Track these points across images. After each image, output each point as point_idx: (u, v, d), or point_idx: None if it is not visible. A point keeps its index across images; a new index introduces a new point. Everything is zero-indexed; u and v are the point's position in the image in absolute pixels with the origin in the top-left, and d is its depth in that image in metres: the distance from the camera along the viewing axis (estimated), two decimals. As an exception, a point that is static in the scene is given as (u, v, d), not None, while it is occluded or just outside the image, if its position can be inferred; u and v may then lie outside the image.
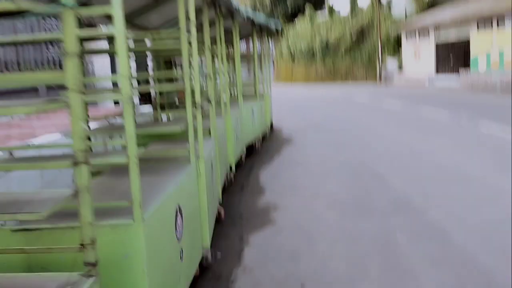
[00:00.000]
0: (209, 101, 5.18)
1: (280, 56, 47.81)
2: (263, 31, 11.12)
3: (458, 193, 5.91)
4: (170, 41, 5.74)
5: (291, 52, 43.85)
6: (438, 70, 29.26)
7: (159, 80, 6.22)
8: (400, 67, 32.21)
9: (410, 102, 18.57)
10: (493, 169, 7.06)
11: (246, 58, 10.99)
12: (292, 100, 23.25)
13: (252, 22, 9.42)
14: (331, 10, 40.02)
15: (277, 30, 11.90)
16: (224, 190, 6.34)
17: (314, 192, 6.37)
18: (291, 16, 46.56)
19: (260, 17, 9.52)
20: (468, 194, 5.83)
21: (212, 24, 7.80)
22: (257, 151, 9.60)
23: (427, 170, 7.25)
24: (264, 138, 11.12)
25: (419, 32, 30.55)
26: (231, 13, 7.60)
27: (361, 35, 35.87)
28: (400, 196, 5.94)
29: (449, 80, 27.40)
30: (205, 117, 4.83)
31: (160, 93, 6.20)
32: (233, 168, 7.11)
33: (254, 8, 46.76)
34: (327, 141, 10.62)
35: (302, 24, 43.47)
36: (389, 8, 34.42)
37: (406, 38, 31.94)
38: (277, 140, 11.20)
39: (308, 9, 42.55)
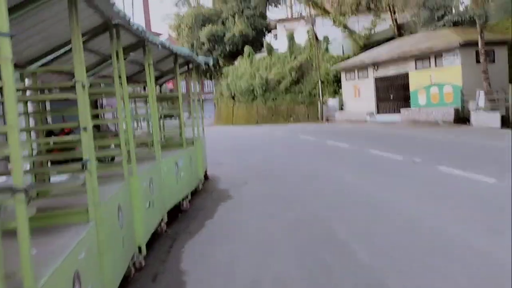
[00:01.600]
0: (83, 166, 3.33)
1: (220, 97, 46.66)
2: (191, 66, 9.47)
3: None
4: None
5: (231, 92, 42.78)
6: (378, 105, 28.95)
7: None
8: (342, 104, 31.69)
9: (347, 138, 17.49)
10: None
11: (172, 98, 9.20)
12: (231, 143, 21.64)
13: (174, 55, 7.73)
14: (270, 48, 39.49)
15: (212, 67, 10.38)
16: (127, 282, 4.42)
17: (255, 279, 4.57)
18: (230, 56, 45.79)
19: (183, 50, 7.84)
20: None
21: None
22: (185, 214, 7.72)
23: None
24: (195, 192, 9.28)
25: (358, 70, 30.29)
26: (140, 39, 5.87)
27: (301, 72, 35.34)
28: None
29: (390, 115, 27.11)
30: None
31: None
32: (143, 249, 5.17)
33: (192, 49, 45.64)
34: (270, 192, 8.94)
35: (241, 63, 42.72)
36: (327, 45, 34.22)
37: (346, 76, 31.62)
38: (211, 194, 9.38)
39: (247, 48, 41.92)
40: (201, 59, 9.69)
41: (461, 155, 11.94)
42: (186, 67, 9.73)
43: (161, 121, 10.64)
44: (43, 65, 5.28)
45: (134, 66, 7.73)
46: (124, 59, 6.55)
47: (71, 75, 6.00)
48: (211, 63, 10.43)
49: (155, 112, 6.47)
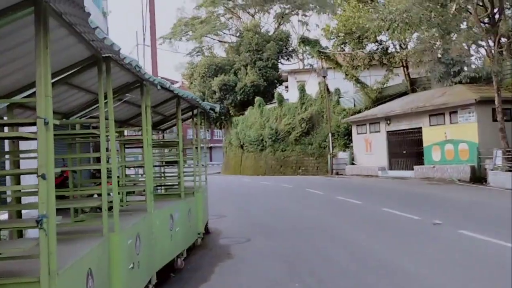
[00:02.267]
0: (38, 223, 2.61)
1: (229, 146, 46.29)
2: (196, 112, 8.89)
3: None
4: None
5: (240, 142, 42.41)
6: (390, 160, 28.15)
7: None
8: (352, 158, 30.94)
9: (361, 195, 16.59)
10: None
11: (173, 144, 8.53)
12: (237, 193, 20.82)
13: (177, 98, 7.14)
14: (281, 99, 39.35)
15: (222, 116, 9.81)
16: None
17: None
18: (241, 106, 45.80)
19: (186, 93, 7.26)
20: None
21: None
22: (178, 274, 6.86)
23: None
24: (193, 247, 8.44)
25: (369, 124, 29.76)
26: (137, 78, 5.28)
27: (311, 124, 34.90)
28: None
29: (402, 171, 26.28)
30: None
31: None
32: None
33: (204, 97, 45.85)
34: (275, 252, 8.07)
35: (251, 113, 42.60)
36: (338, 98, 33.93)
37: (357, 129, 31.07)
38: (211, 251, 8.51)
39: (257, 98, 41.90)
40: (206, 104, 9.12)
41: (484, 218, 11.01)
42: (190, 113, 9.12)
43: (163, 169, 10.00)
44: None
45: (133, 109, 7.13)
46: (120, 100, 5.96)
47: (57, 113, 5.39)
48: (217, 109, 9.87)
49: (149, 159, 5.78)
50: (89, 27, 3.14)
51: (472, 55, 21.56)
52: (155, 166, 8.98)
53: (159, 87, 5.54)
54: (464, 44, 20.83)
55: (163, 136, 10.51)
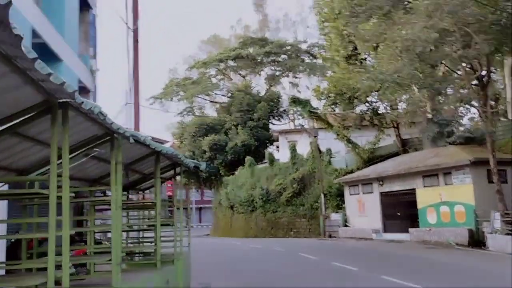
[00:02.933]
0: None
1: (219, 206, 45.19)
2: (179, 169, 8.18)
3: None
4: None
5: (230, 202, 41.40)
6: (384, 222, 27.23)
7: None
8: (345, 219, 30.00)
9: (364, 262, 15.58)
10: None
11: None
12: (226, 257, 19.67)
13: (156, 154, 6.46)
14: (272, 158, 38.83)
15: (212, 176, 9.11)
16: None
17: None
18: (231, 166, 45.18)
19: (167, 148, 6.58)
20: None
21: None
22: None
23: None
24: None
25: (362, 184, 29.11)
26: (108, 130, 4.61)
27: (303, 185, 34.19)
28: None
29: (397, 234, 25.30)
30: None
31: None
32: None
33: (193, 157, 45.31)
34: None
35: (242, 173, 41.92)
36: (330, 158, 33.49)
37: (349, 190, 30.36)
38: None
39: (248, 158, 41.39)
40: (190, 162, 8.44)
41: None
42: (172, 171, 8.40)
43: (142, 233, 9.14)
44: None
45: (105, 166, 6.41)
46: (87, 154, 5.26)
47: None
48: (203, 167, 9.17)
49: (118, 223, 5.00)
50: (28, 60, 2.49)
51: (464, 116, 21.31)
52: (134, 230, 8.15)
53: (132, 140, 4.86)
54: (456, 104, 20.64)
55: (143, 196, 9.71)
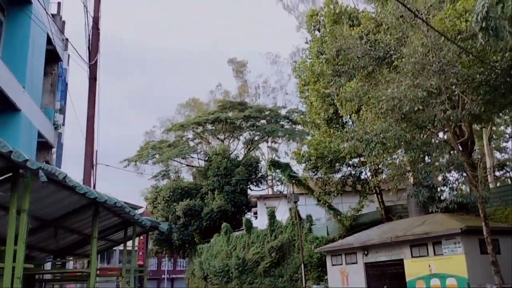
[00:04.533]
0: None
1: (191, 277, 42.34)
2: (128, 225, 6.48)
3: None
4: None
5: (204, 272, 38.69)
6: (370, 295, 25.14)
7: None
8: (327, 292, 27.78)
9: None
10: None
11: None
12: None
13: (94, 204, 4.81)
14: (249, 225, 36.79)
15: (186, 244, 7.39)
16: None
17: None
18: (207, 232, 42.85)
19: (109, 198, 4.93)
20: None
21: None
22: None
23: None
24: None
25: (345, 254, 27.21)
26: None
27: (282, 253, 32.07)
28: None
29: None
30: None
31: None
32: None
33: (167, 220, 42.98)
34: None
35: (217, 241, 39.63)
36: (310, 225, 31.73)
37: (332, 260, 28.35)
38: None
39: (224, 224, 39.31)
40: (146, 220, 6.76)
41: None
42: (123, 231, 6.66)
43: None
44: None
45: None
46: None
47: None
48: (163, 228, 7.48)
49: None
50: None
51: (453, 182, 20.17)
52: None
53: (42, 176, 3.24)
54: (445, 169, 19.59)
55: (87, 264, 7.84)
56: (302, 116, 34.19)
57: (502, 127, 40.83)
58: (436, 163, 18.78)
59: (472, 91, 17.46)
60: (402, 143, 17.92)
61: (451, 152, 20.31)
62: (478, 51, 16.69)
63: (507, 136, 42.74)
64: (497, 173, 39.91)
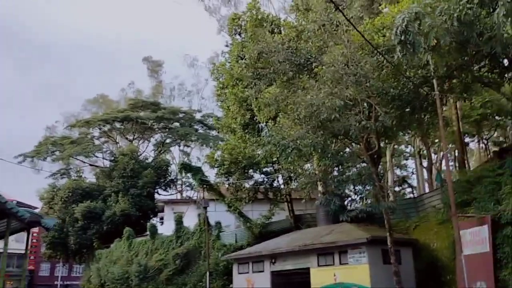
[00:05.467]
0: None
1: (87, 285, 39.50)
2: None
3: None
4: None
5: (101, 279, 36.21)
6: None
7: None
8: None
9: None
10: None
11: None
12: None
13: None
14: (154, 230, 35.16)
15: (83, 249, 6.13)
16: None
17: None
18: (108, 237, 40.32)
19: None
20: None
21: None
22: None
23: None
24: None
25: (252, 262, 26.78)
26: None
27: (187, 261, 30.92)
28: None
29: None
30: None
31: None
32: None
33: (63, 225, 39.90)
34: None
35: (118, 246, 37.41)
36: (219, 232, 30.99)
37: (238, 268, 27.76)
38: None
39: (127, 229, 37.24)
40: (25, 212, 5.55)
41: None
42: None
43: None
44: None
45: None
46: None
47: None
48: (49, 225, 6.20)
49: None
50: None
51: (362, 192, 20.58)
52: None
53: None
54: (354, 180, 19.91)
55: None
56: (218, 121, 33.54)
57: (403, 146, 43.33)
58: (348, 173, 19.00)
59: (385, 104, 17.93)
60: (318, 150, 17.88)
61: (362, 163, 20.78)
62: (394, 66, 17.17)
63: (407, 154, 45.46)
64: (396, 188, 42.23)
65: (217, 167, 28.67)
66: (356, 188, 19.33)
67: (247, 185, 29.18)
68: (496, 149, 32.00)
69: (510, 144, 29.94)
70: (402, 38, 14.33)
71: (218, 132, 40.89)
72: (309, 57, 19.54)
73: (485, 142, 35.42)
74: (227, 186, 29.89)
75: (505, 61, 18.16)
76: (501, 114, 28.28)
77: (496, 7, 14.21)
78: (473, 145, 40.61)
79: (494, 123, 30.92)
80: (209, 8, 45.23)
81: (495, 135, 35.23)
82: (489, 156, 31.50)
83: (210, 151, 36.73)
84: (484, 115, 27.72)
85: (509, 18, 13.95)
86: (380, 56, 17.14)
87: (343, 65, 17.39)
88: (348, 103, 17.50)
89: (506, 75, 19.49)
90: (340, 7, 21.41)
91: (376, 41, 17.87)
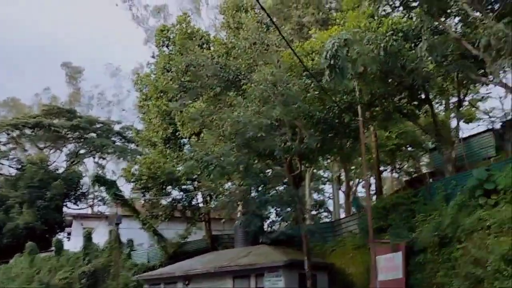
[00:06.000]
0: None
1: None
2: None
3: None
4: None
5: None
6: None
7: None
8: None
9: None
10: None
11: None
12: None
13: None
14: (59, 246, 32.66)
15: None
16: None
17: None
18: (7, 251, 36.92)
19: None
20: None
21: None
22: None
23: None
24: None
25: (164, 283, 25.53)
26: None
27: (94, 280, 28.90)
28: None
29: None
30: None
31: None
32: None
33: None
34: None
35: (18, 261, 34.37)
36: (130, 250, 29.37)
37: (150, 288, 26.38)
38: None
39: (29, 244, 34.30)
40: None
41: None
42: None
43: None
44: None
45: None
46: None
47: None
48: None
49: None
50: None
51: (282, 214, 20.36)
52: None
53: None
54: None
55: None
56: (138, 134, 32.09)
57: (321, 171, 44.27)
58: (270, 193, 18.76)
59: (311, 127, 18.00)
60: (241, 169, 17.48)
61: (284, 184, 20.68)
62: (322, 89, 17.33)
63: (325, 179, 46.54)
64: (313, 212, 42.88)
65: (133, 181, 27.24)
66: (278, 209, 19.05)
67: (164, 202, 27.97)
68: (407, 178, 33.68)
69: (420, 174, 31.55)
70: (332, 62, 14.48)
71: (137, 146, 39.31)
72: (238, 74, 19.26)
73: (398, 171, 37.10)
74: (143, 202, 28.49)
75: (423, 95, 19.11)
76: (414, 145, 29.75)
77: (419, 41, 14.89)
78: (385, 174, 42.46)
79: (407, 153, 32.46)
80: (137, 17, 43.86)
81: (406, 165, 37.04)
82: (400, 185, 32.93)
83: (128, 164, 35.00)
84: (399, 145, 28.99)
85: (431, 53, 14.65)
86: (308, 79, 17.24)
87: (272, 84, 17.27)
88: (274, 123, 17.39)
89: (422, 108, 20.56)
90: (271, 29, 21.55)
91: (305, 64, 18.01)
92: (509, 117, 24.49)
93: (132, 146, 45.74)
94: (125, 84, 78.02)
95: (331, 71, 14.73)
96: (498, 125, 25.10)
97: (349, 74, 15.48)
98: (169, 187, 27.45)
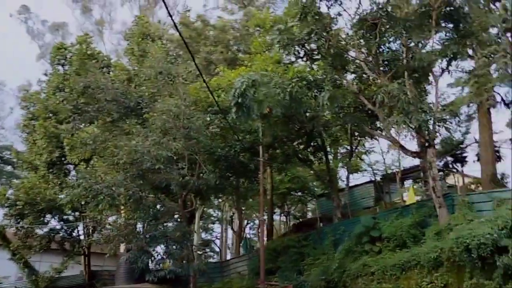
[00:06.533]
0: None
1: None
2: None
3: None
4: None
5: None
6: None
7: None
8: None
9: None
10: None
11: None
12: None
13: None
14: None
15: None
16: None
17: None
18: None
19: None
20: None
21: None
22: None
23: None
24: None
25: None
26: None
27: None
28: None
29: None
30: None
31: None
32: None
33: None
34: None
35: None
36: (-7, 285, 25.93)
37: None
38: None
39: None
40: None
41: None
42: None
43: None
44: None
45: None
46: None
47: None
48: None
49: None
50: None
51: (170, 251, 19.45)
52: None
53: None
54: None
55: None
56: (18, 155, 29.04)
57: (211, 210, 43.81)
58: (161, 229, 17.91)
59: (211, 163, 17.77)
60: (133, 200, 16.52)
61: (176, 221, 19.92)
62: (230, 126, 17.26)
63: (215, 218, 46.10)
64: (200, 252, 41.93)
65: (7, 206, 24.36)
66: (168, 246, 18.15)
67: (40, 232, 25.34)
68: (294, 222, 34.59)
69: (308, 218, 32.66)
70: (239, 100, 14.58)
71: (15, 168, 35.65)
72: (140, 101, 18.55)
73: (286, 214, 38.01)
74: (15, 230, 25.50)
75: (320, 142, 19.98)
76: (304, 190, 30.83)
77: (322, 90, 15.63)
78: (275, 216, 43.23)
79: (297, 198, 33.47)
80: (33, 32, 40.92)
81: (294, 209, 38.10)
82: (288, 228, 33.67)
83: (2, 187, 31.33)
84: (290, 189, 29.79)
85: (331, 103, 15.41)
86: (214, 114, 17.16)
87: (175, 116, 16.86)
88: (173, 156, 16.86)
89: (317, 155, 21.45)
90: (179, 61, 21.32)
91: (211, 100, 17.93)
92: (389, 171, 26.61)
93: (9, 168, 41.36)
94: (9, 100, 71.30)
95: (238, 109, 14.82)
96: (378, 178, 27.11)
97: (254, 115, 15.67)
98: (49, 215, 25.05)
